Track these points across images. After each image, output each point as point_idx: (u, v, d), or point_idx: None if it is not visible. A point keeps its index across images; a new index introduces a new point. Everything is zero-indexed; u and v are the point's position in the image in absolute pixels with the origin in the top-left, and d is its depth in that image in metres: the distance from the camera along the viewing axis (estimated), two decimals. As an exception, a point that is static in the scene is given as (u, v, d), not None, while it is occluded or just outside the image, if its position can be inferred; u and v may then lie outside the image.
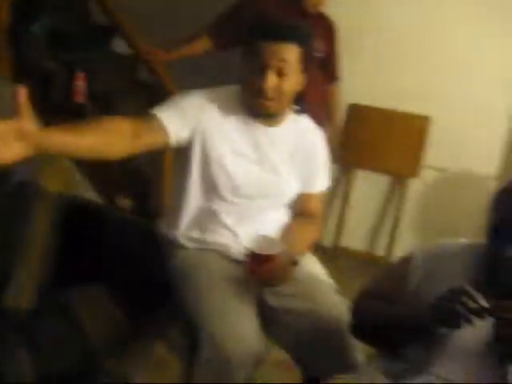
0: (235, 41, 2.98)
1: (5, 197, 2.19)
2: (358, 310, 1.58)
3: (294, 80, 1.71)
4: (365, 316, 1.54)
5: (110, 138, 1.54)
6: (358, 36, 3.38)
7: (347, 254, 3.71)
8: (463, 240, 1.55)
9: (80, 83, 3.20)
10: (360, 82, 3.47)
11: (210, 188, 1.82)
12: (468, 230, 3.37)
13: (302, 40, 1.70)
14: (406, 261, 1.53)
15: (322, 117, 2.77)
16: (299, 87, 1.76)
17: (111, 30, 3.71)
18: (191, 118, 1.72)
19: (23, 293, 1.84)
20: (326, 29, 3.04)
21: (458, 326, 1.26)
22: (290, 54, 1.67)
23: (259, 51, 1.68)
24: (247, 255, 1.68)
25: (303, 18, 2.89)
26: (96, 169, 3.13)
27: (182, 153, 1.82)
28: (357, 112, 3.55)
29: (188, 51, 3.02)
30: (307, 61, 1.72)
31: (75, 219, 2.24)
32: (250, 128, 1.80)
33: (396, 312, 1.44)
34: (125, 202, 3.01)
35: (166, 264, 1.93)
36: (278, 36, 1.67)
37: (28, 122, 1.23)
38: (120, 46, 3.82)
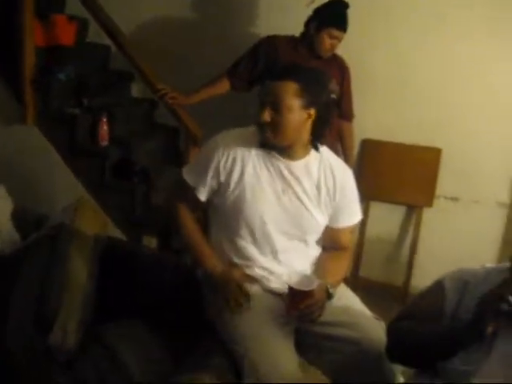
0: (251, 82, 3.13)
1: (43, 239, 2.28)
2: (392, 332, 1.65)
3: (291, 114, 1.84)
4: (400, 337, 1.61)
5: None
6: (369, 73, 3.51)
7: (366, 283, 3.77)
8: (488, 265, 1.63)
9: (103, 127, 3.33)
10: (373, 118, 3.60)
11: (243, 226, 1.94)
12: (483, 256, 3.46)
13: (298, 78, 1.83)
14: (437, 287, 1.60)
15: (337, 153, 2.87)
16: (304, 121, 1.87)
17: (129, 76, 3.87)
18: (219, 174, 1.94)
19: (68, 332, 1.92)
20: (339, 70, 3.17)
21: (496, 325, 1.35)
22: (283, 90, 1.82)
23: (260, 90, 1.90)
24: (287, 292, 1.80)
25: (317, 60, 3.02)
26: (121, 212, 3.26)
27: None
28: (370, 146, 3.67)
29: (208, 94, 3.14)
30: (310, 97, 1.84)
31: (110, 258, 2.33)
32: (273, 162, 1.94)
33: (432, 329, 1.52)
34: (151, 241, 3.11)
35: (200, 295, 2.04)
36: (274, 75, 1.86)
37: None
38: (138, 90, 3.98)
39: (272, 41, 3.07)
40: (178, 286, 2.20)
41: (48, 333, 1.90)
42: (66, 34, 3.63)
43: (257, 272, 1.97)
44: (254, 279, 1.95)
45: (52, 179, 3.49)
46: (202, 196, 1.99)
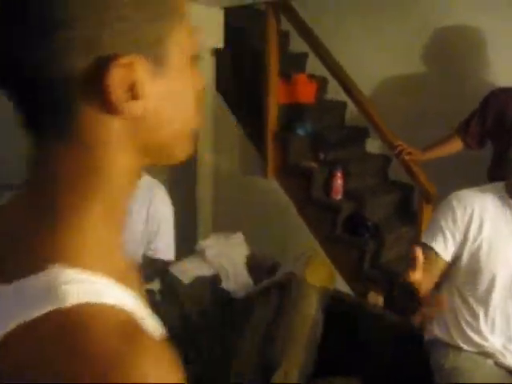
0: (484, 140, 2.91)
1: (273, 287, 2.37)
2: None
3: None
4: None
5: None
6: None
7: None
8: None
9: (338, 181, 3.39)
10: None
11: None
12: None
13: None
14: None
15: None
16: None
17: (365, 132, 3.90)
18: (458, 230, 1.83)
19: (288, 377, 1.95)
20: None
21: None
22: None
23: None
24: None
25: None
26: (349, 266, 3.25)
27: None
28: None
29: (441, 152, 3.00)
30: None
31: (334, 311, 2.33)
32: None
33: None
34: (377, 298, 3.03)
35: (424, 361, 1.92)
36: None
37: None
38: (373, 146, 3.99)
39: (502, 94, 2.83)
40: (400, 348, 2.11)
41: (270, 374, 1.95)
42: (306, 92, 3.82)
43: (494, 345, 1.81)
44: None
45: (286, 229, 3.63)
46: (445, 255, 1.85)
